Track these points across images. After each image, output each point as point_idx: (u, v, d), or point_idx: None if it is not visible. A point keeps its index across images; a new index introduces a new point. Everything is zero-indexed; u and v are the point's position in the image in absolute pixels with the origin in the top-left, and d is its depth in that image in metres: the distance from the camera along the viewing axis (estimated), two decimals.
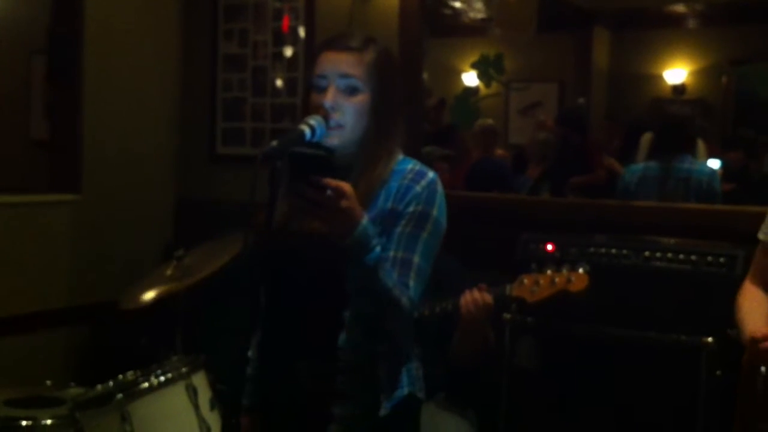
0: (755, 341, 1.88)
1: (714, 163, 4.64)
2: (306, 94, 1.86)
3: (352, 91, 1.77)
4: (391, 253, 1.75)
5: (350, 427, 1.80)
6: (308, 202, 1.54)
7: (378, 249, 1.64)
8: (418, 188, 1.78)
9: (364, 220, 1.61)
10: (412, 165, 1.84)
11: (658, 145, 4.21)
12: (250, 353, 1.92)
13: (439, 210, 1.81)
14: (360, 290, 1.69)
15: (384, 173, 1.79)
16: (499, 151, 5.94)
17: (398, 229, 1.77)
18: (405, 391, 1.87)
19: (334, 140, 1.74)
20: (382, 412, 1.81)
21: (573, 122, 5.70)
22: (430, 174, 1.83)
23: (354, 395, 1.79)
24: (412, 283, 1.74)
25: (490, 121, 6.13)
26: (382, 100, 1.80)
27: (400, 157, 1.85)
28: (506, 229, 3.08)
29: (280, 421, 1.86)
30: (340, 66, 1.77)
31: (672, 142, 4.05)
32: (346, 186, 1.56)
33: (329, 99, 1.75)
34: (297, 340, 1.81)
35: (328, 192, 1.53)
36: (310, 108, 1.78)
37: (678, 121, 4.39)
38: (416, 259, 1.75)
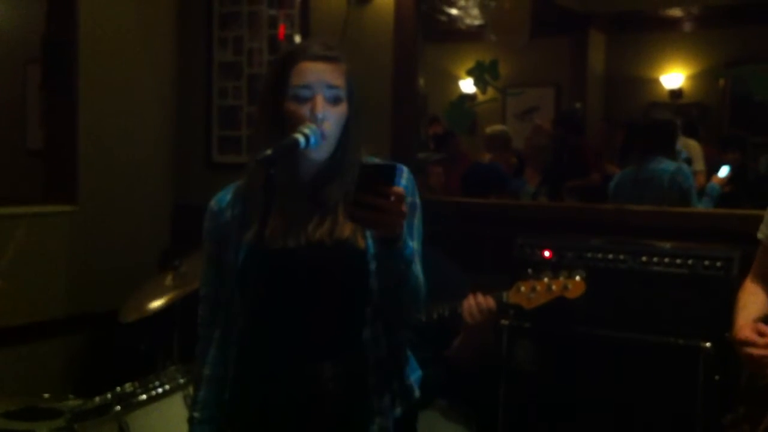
0: (735, 343, 1.97)
1: (722, 169, 4.65)
2: (273, 103, 1.80)
3: (335, 100, 1.79)
4: None
5: (390, 417, 1.83)
6: (375, 210, 1.57)
7: (411, 243, 1.71)
8: (403, 182, 1.84)
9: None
10: (380, 162, 1.88)
11: (638, 149, 4.30)
12: (208, 372, 1.89)
13: (419, 197, 1.88)
14: (389, 285, 1.74)
15: None
16: (513, 159, 5.87)
17: None
18: (420, 372, 1.96)
19: (323, 154, 1.76)
20: (417, 394, 1.91)
21: (570, 123, 5.71)
22: (401, 166, 1.88)
23: (386, 387, 1.83)
24: (417, 267, 1.80)
25: (498, 127, 6.09)
26: (358, 106, 1.84)
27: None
28: (503, 233, 3.08)
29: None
30: (326, 76, 1.78)
31: (646, 145, 4.13)
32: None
33: (320, 109, 1.75)
34: (316, 344, 1.81)
35: (392, 198, 1.57)
36: (294, 119, 1.76)
37: (651, 123, 4.46)
38: (415, 245, 1.82)
